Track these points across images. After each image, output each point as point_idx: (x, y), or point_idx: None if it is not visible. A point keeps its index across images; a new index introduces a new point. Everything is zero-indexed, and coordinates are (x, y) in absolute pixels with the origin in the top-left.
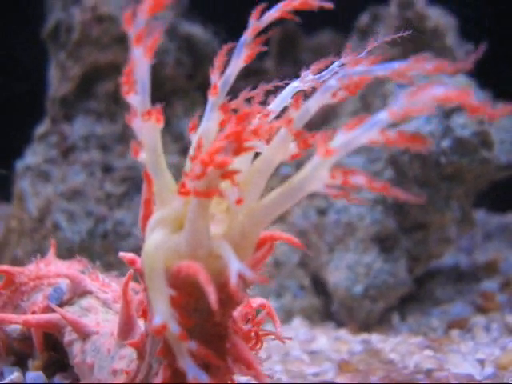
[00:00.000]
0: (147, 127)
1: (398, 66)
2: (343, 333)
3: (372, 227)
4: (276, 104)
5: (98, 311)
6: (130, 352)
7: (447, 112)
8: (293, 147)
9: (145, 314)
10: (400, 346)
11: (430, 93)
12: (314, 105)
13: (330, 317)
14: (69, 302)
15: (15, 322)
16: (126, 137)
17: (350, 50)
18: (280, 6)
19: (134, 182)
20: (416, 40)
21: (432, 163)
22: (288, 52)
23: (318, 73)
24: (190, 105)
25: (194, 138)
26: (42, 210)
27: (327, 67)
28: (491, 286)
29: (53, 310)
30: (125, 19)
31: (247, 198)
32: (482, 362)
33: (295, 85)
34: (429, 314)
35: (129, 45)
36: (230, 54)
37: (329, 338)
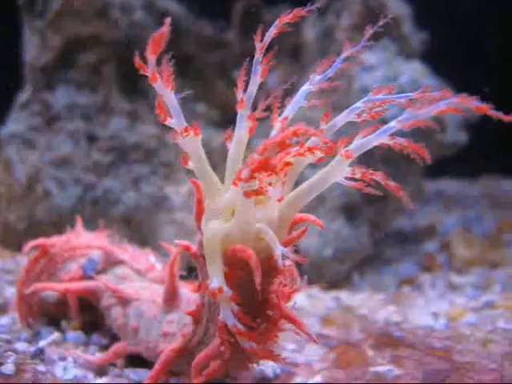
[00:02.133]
0: (188, 141)
1: (412, 95)
2: (315, 291)
3: (340, 198)
4: (291, 107)
5: (133, 279)
6: (177, 317)
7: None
8: (319, 153)
9: (199, 288)
10: (367, 302)
11: (434, 108)
12: (340, 121)
13: (301, 276)
14: (103, 271)
15: (57, 290)
16: (107, 107)
17: (348, 45)
18: (276, 23)
19: (120, 152)
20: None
21: None
22: (250, 25)
23: (323, 72)
24: None
25: (230, 145)
26: (30, 177)
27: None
28: (432, 248)
29: (88, 279)
30: (138, 66)
31: (283, 191)
32: (435, 315)
33: (305, 88)
34: (382, 272)
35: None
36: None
37: (305, 296)
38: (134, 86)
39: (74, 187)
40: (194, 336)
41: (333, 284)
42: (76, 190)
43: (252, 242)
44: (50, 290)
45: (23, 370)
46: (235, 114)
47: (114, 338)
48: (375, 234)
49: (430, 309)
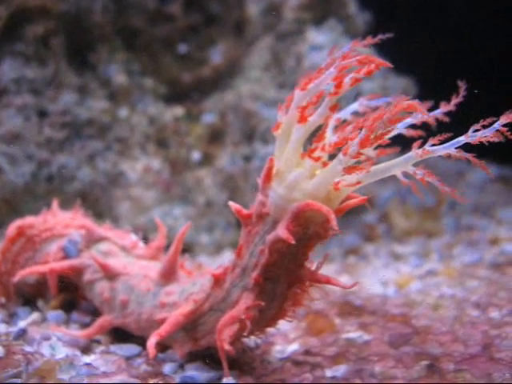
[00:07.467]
0: (299, 127)
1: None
2: None
3: None
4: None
5: (118, 255)
6: (178, 289)
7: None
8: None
9: (239, 253)
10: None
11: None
12: None
13: None
14: (86, 249)
15: (42, 272)
16: (56, 81)
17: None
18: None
19: (73, 128)
20: (325, 7)
21: None
22: None
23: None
24: (113, 50)
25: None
26: None
27: None
28: (371, 219)
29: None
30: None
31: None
32: (385, 284)
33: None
34: (328, 243)
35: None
36: None
37: None
38: (83, 60)
39: (27, 163)
40: (205, 302)
41: None
42: (29, 166)
43: (320, 200)
44: (35, 273)
45: (12, 351)
46: (183, 88)
47: (95, 315)
48: None
49: (379, 277)
